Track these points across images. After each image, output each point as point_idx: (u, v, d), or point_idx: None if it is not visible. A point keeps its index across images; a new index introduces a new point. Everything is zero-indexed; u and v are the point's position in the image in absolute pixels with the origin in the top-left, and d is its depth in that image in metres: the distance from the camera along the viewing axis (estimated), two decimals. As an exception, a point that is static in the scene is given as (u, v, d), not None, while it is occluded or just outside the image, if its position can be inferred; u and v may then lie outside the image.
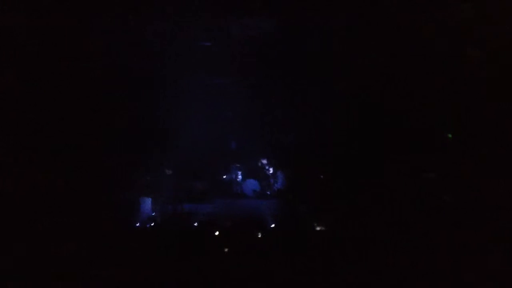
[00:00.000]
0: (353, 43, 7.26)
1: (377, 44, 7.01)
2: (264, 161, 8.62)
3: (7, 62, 5.97)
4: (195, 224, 7.41)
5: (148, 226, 7.39)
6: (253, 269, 5.14)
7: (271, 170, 8.50)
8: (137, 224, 7.29)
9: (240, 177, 9.01)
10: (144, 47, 8.04)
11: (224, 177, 9.32)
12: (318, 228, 6.72)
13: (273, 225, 7.11)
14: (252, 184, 8.75)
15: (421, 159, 6.51)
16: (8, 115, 6.00)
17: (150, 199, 7.96)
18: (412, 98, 6.75)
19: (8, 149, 6.03)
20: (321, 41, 7.66)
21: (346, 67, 7.47)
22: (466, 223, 5.53)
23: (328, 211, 6.96)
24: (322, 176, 7.86)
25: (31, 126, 6.33)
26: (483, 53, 6.08)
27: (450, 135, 6.48)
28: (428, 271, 4.87)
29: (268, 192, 8.58)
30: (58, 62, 6.71)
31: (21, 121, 6.21)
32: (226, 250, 6.02)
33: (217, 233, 6.72)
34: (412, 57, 6.70)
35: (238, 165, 9.08)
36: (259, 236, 6.62)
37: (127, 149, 8.11)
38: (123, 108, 7.89)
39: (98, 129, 7.22)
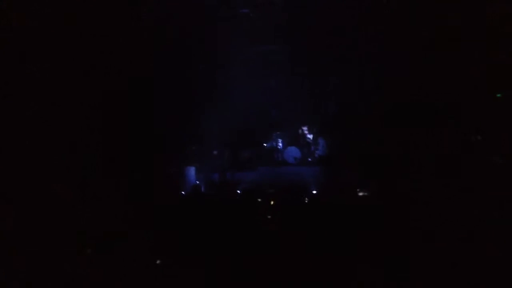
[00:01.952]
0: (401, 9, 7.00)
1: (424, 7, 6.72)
2: (305, 129, 8.58)
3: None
4: (239, 191, 7.55)
5: (192, 193, 7.62)
6: (296, 235, 5.20)
7: (311, 137, 8.47)
8: (183, 192, 7.53)
9: (281, 144, 9.03)
10: (185, 16, 8.06)
11: (266, 145, 9.38)
12: (360, 194, 6.70)
13: (314, 192, 7.15)
14: (293, 152, 8.77)
15: (469, 121, 6.28)
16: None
17: (194, 168, 8.17)
18: (459, 59, 6.47)
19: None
20: (367, 7, 7.42)
21: (391, 33, 7.22)
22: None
23: (370, 178, 6.90)
24: (363, 143, 7.76)
25: (76, 95, 6.52)
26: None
27: (499, 94, 6.19)
28: (482, 235, 4.72)
29: (309, 159, 8.58)
30: (103, 29, 6.83)
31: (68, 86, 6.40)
32: (269, 217, 6.12)
33: (260, 200, 6.82)
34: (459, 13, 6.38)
35: (279, 132, 9.09)
36: (301, 202, 6.67)
37: (171, 118, 8.27)
38: (167, 77, 8.00)
39: (144, 98, 7.37)
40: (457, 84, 6.45)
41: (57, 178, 5.80)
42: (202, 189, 8.04)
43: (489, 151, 6.11)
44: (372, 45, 7.55)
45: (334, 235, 5.15)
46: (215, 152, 8.43)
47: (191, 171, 8.13)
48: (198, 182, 8.11)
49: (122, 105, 6.98)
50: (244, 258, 4.73)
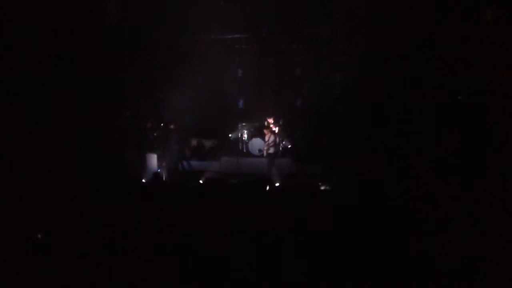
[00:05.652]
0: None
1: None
2: (270, 120, 8.55)
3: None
4: (201, 181, 7.46)
5: (153, 182, 7.45)
6: (257, 226, 5.19)
7: (277, 130, 8.45)
8: (143, 180, 7.36)
9: (246, 136, 8.99)
10: (155, 3, 7.93)
11: (231, 135, 9.32)
12: (322, 187, 6.75)
13: (277, 183, 7.16)
14: (257, 143, 8.74)
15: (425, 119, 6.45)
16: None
17: (155, 155, 7.99)
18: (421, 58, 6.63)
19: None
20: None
21: (358, 28, 7.31)
22: (471, 184, 5.51)
23: (333, 170, 6.97)
24: (327, 136, 7.84)
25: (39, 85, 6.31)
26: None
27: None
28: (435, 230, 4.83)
29: (273, 151, 8.55)
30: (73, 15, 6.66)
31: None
32: (231, 206, 6.06)
33: (222, 190, 6.76)
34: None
35: (245, 124, 9.03)
36: (264, 193, 6.66)
37: (134, 104, 8.08)
38: (133, 64, 7.84)
39: (107, 84, 7.20)
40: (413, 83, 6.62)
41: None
42: (164, 177, 7.89)
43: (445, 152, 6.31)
44: (342, 39, 7.63)
45: (293, 226, 5.16)
46: (178, 140, 8.27)
47: (153, 158, 7.96)
48: (159, 170, 7.94)
49: (83, 90, 6.81)
50: (205, 248, 4.68)
